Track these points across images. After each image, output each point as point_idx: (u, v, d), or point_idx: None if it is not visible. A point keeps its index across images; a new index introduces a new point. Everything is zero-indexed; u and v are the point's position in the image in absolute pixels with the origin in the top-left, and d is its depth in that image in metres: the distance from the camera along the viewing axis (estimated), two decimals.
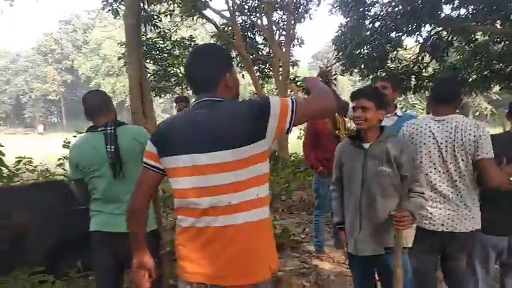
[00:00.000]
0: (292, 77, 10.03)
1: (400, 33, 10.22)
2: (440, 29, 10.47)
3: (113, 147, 2.16)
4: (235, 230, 1.42)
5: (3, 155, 5.01)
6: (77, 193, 2.39)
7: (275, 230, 4.98)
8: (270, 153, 8.82)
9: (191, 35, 9.75)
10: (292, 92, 9.23)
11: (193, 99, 1.55)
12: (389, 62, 11.05)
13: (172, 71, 9.19)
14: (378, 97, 2.30)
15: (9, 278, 2.55)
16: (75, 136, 4.98)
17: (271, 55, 10.13)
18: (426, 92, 13.09)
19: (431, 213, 2.29)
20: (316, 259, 4.45)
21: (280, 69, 8.93)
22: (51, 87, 52.83)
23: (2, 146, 5.05)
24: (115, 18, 8.79)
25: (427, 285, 2.44)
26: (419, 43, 10.62)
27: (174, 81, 9.59)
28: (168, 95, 10.09)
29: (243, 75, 10.72)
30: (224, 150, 1.39)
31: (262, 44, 10.67)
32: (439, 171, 2.29)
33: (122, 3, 9.11)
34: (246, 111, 1.42)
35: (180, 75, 9.74)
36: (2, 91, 56.00)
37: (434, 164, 2.29)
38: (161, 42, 9.43)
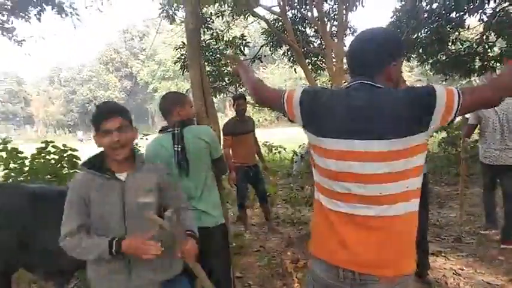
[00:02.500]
0: (346, 67, 9.81)
1: (461, 13, 9.61)
2: (507, 4, 9.68)
3: (179, 146, 2.31)
4: (384, 221, 1.38)
5: (79, 159, 5.50)
6: None
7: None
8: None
9: (242, 34, 9.87)
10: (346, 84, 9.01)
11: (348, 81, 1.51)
12: (450, 44, 10.41)
13: (226, 71, 9.36)
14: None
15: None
16: (142, 138, 5.34)
17: (323, 47, 9.97)
18: (493, 74, 12.17)
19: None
20: None
21: (334, 60, 8.75)
22: (113, 93, 56.16)
23: (77, 150, 5.56)
24: (171, 24, 9.14)
25: None
26: (483, 22, 9.90)
27: (228, 80, 9.76)
28: (222, 94, 10.31)
29: (295, 69, 10.68)
30: (382, 139, 1.33)
31: (313, 36, 10.54)
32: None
33: (178, 10, 9.48)
34: (409, 101, 1.33)
35: (233, 74, 9.88)
36: (69, 100, 60.48)
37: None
38: (214, 43, 9.62)
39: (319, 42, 10.52)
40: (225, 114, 49.33)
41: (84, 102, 58.56)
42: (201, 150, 2.38)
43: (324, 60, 10.28)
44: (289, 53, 10.42)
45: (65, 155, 5.33)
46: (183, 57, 9.22)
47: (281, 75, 44.49)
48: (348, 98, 1.43)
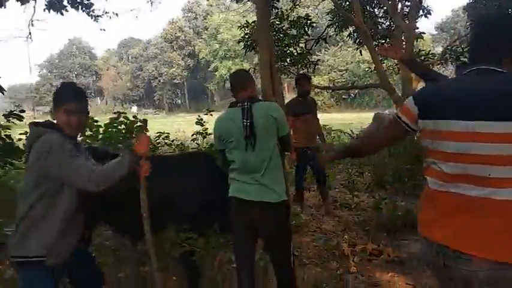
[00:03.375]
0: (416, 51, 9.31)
1: None
2: None
3: (248, 121, 2.36)
4: (495, 204, 1.38)
5: (148, 130, 5.80)
6: (220, 162, 2.68)
7: (396, 212, 4.82)
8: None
9: (307, 14, 9.67)
10: None
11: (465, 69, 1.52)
12: None
13: (289, 51, 9.26)
14: None
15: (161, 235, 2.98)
16: (199, 118, 5.49)
17: (393, 28, 9.51)
18: None
19: None
20: None
21: (404, 43, 8.32)
22: (176, 71, 58.03)
23: (146, 121, 5.86)
24: (237, 2, 9.18)
25: None
26: None
27: (290, 61, 9.65)
28: (283, 75, 10.26)
29: (360, 51, 10.31)
30: (506, 121, 1.34)
31: (382, 17, 10.07)
32: None
33: None
34: None
35: (295, 54, 9.75)
36: (136, 76, 63.50)
37: None
38: (278, 22, 9.51)
39: (388, 23, 10.05)
40: (283, 97, 49.19)
41: (150, 78, 61.18)
42: (269, 126, 2.42)
43: (392, 43, 9.80)
44: (355, 34, 10.08)
45: (134, 125, 5.65)
46: (247, 36, 9.25)
47: (343, 57, 43.17)
48: (470, 83, 1.46)
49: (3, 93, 5.70)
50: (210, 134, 5.82)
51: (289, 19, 9.29)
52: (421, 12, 9.62)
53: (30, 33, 8.24)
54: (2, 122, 5.92)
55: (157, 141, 5.91)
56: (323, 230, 4.74)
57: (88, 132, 5.60)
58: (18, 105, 5.66)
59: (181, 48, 58.78)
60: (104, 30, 12.99)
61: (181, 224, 2.86)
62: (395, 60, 10.16)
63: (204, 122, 5.09)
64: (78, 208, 2.08)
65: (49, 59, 66.13)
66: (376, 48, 8.36)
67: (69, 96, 2.07)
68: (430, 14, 9.94)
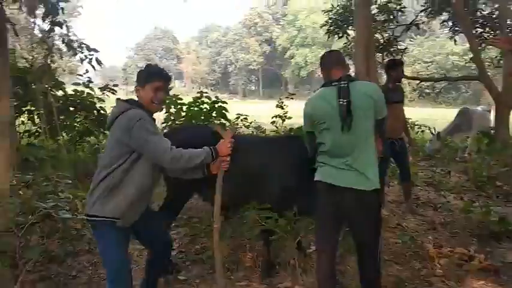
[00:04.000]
0: None
1: None
2: None
3: (344, 100, 2.20)
4: None
5: (227, 110, 5.90)
6: (307, 145, 2.55)
7: (489, 217, 4.36)
8: (483, 131, 7.58)
9: None
10: None
11: None
12: None
13: (375, 38, 8.79)
14: None
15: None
16: (281, 101, 5.47)
17: (494, 16, 8.58)
18: None
19: None
20: None
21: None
22: (252, 57, 58.68)
23: (226, 103, 5.96)
24: None
25: None
26: None
27: (376, 48, 9.16)
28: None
29: (455, 40, 9.47)
30: None
31: (483, 3, 9.12)
32: None
33: None
34: None
35: (382, 41, 9.25)
36: (214, 61, 65.40)
37: None
38: None
39: (489, 10, 9.07)
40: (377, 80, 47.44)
41: (227, 63, 62.64)
42: (367, 107, 2.25)
43: (491, 32, 8.85)
44: (450, 22, 9.26)
45: (215, 105, 5.77)
46: (330, 21, 8.95)
47: (430, 48, 40.20)
48: None
49: (100, 66, 6.11)
50: (290, 117, 5.83)
51: (378, 3, 8.81)
52: None
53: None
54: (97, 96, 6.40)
55: (236, 122, 5.99)
56: (404, 227, 4.44)
57: (172, 110, 5.86)
58: (111, 79, 6.06)
59: (259, 35, 59.20)
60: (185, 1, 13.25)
61: (265, 201, 2.91)
62: (497, 52, 9.17)
63: (285, 105, 5.04)
64: (152, 182, 2.27)
65: (137, 43, 70.63)
66: (486, 38, 7.58)
67: (159, 75, 2.27)
68: None
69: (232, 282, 3.09)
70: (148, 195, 2.32)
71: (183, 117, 5.76)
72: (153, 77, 2.25)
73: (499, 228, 4.21)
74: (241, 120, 5.89)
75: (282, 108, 5.02)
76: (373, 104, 2.27)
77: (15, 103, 5.25)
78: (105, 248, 2.17)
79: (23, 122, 6.19)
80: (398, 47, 8.66)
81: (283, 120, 5.13)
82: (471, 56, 8.36)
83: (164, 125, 5.79)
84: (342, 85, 2.22)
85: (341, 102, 2.20)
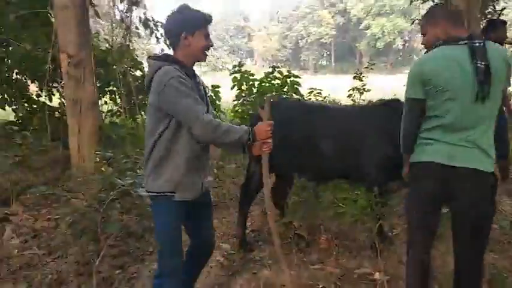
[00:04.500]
0: None
1: None
2: None
3: (483, 63, 1.80)
4: None
5: (300, 85, 5.66)
6: (405, 116, 2.04)
7: None
8: None
9: None
10: None
11: None
12: None
13: None
14: None
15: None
16: (359, 72, 5.08)
17: None
18: None
19: None
20: None
21: None
22: (325, 30, 56.76)
23: (299, 77, 5.72)
24: None
25: None
26: None
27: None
28: None
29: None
30: None
31: None
32: None
33: None
34: None
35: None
36: (284, 37, 64.46)
37: None
38: None
39: None
40: None
41: (298, 38, 61.41)
42: (503, 74, 1.86)
43: None
44: None
45: (288, 80, 5.57)
46: None
47: None
48: None
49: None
50: (369, 90, 5.43)
51: None
52: None
53: None
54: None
55: (309, 97, 5.75)
56: (501, 211, 3.94)
57: (244, 87, 5.80)
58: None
59: (332, 6, 56.89)
60: None
61: (363, 176, 2.82)
62: None
63: (364, 76, 4.67)
64: (203, 148, 2.03)
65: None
66: None
67: (209, 20, 2.01)
68: None
69: (306, 265, 2.96)
70: (204, 163, 2.09)
71: (255, 93, 5.67)
72: (206, 22, 1.99)
73: None
74: (314, 95, 5.64)
75: (361, 80, 4.65)
76: (508, 70, 1.88)
77: (98, 84, 5.55)
78: (160, 222, 2.04)
79: (105, 102, 6.57)
80: (496, 7, 7.61)
81: (361, 94, 4.77)
82: None
83: (236, 102, 5.75)
84: (477, 44, 1.83)
85: (479, 65, 1.80)
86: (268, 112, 2.03)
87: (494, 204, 2.03)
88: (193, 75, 2.03)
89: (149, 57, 2.04)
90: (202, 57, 2.02)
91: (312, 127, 2.98)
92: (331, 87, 11.20)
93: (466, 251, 2.00)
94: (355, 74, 4.77)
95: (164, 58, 2.00)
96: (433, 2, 8.36)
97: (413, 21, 9.65)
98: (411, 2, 8.30)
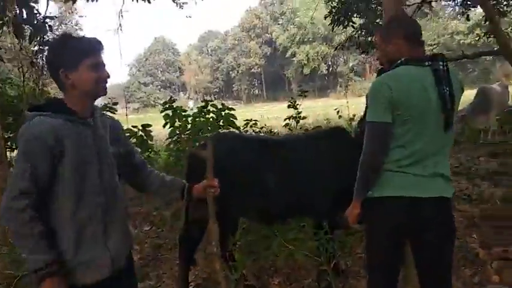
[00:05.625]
0: None
1: None
2: None
3: (448, 89, 1.71)
4: None
5: (235, 117, 5.53)
6: (370, 143, 1.79)
7: None
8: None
9: None
10: None
11: None
12: None
13: (382, 23, 8.36)
14: None
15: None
16: (293, 100, 5.09)
17: None
18: None
19: None
20: None
21: None
22: (254, 61, 58.37)
23: (234, 109, 5.59)
24: None
25: None
26: None
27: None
28: (363, 53, 9.44)
29: (467, 16, 8.98)
30: None
31: None
32: None
33: None
34: None
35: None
36: (216, 69, 65.24)
37: None
38: None
39: None
40: (364, 78, 46.66)
41: (229, 70, 62.43)
42: (459, 98, 1.80)
43: (507, 2, 8.36)
44: None
45: (222, 113, 5.41)
46: (334, 10, 8.56)
47: (434, 30, 39.44)
48: None
49: None
50: (304, 117, 5.47)
51: None
52: None
53: (120, 24, 8.34)
54: None
55: (245, 129, 5.63)
56: None
57: (177, 123, 5.53)
58: (111, 98, 5.73)
59: (258, 36, 58.90)
60: (190, 17, 13.12)
61: (314, 213, 2.68)
62: None
63: (298, 104, 4.66)
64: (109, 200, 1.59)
65: (137, 58, 70.91)
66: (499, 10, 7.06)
67: (92, 49, 1.55)
68: None
69: None
70: (110, 222, 1.59)
71: (189, 129, 5.41)
72: (92, 51, 1.55)
73: None
74: (251, 126, 5.53)
75: (296, 108, 4.63)
76: (461, 94, 1.84)
77: (9, 135, 4.96)
78: None
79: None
80: None
81: (298, 122, 4.74)
82: (477, 32, 7.87)
83: (169, 140, 5.45)
84: (441, 67, 1.72)
85: (445, 91, 1.70)
86: (211, 154, 1.82)
87: (455, 230, 1.95)
88: (91, 121, 1.59)
89: (29, 108, 1.58)
90: (98, 92, 1.59)
91: (258, 163, 2.78)
92: (266, 115, 11.32)
93: (434, 281, 1.89)
94: (289, 103, 4.76)
95: (44, 106, 1.56)
96: (353, 27, 8.84)
97: (337, 47, 10.09)
98: (333, 28, 8.68)
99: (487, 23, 8.31)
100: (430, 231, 1.78)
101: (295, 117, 4.65)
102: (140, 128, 5.66)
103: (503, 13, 8.42)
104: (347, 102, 8.95)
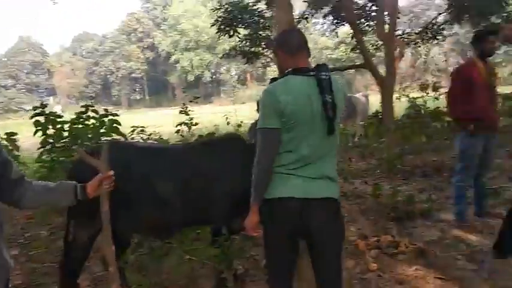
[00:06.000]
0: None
1: None
2: None
3: (330, 97, 1.80)
4: None
5: (120, 124, 5.15)
6: (261, 148, 1.88)
7: (397, 198, 4.53)
8: (373, 115, 8.13)
9: None
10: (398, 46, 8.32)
11: None
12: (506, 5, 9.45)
13: (264, 35, 8.80)
14: None
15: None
16: (185, 106, 4.95)
17: (368, 8, 9.28)
18: None
19: None
20: (457, 229, 3.91)
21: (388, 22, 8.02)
22: (135, 65, 55.91)
23: (117, 115, 5.21)
24: None
25: None
26: None
27: (265, 45, 9.18)
28: (247, 63, 9.87)
29: (336, 33, 9.98)
30: None
31: None
32: None
33: None
34: None
35: (271, 38, 9.30)
36: (92, 72, 60.57)
37: None
38: (252, 4, 9.01)
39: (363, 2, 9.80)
40: (247, 86, 48.49)
41: (107, 73, 58.58)
42: (343, 107, 1.90)
43: (367, 23, 9.56)
44: (332, 16, 9.68)
45: (105, 120, 4.99)
46: (220, 19, 8.69)
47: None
48: None
49: None
50: (196, 124, 5.37)
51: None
52: None
53: None
54: None
55: (132, 136, 5.29)
56: None
57: (50, 131, 4.90)
58: None
59: (140, 41, 56.68)
60: (56, 3, 11.50)
61: (215, 221, 2.57)
62: (378, 40, 9.88)
63: (190, 110, 4.56)
64: None
65: None
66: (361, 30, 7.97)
67: None
68: None
69: None
70: None
71: (66, 137, 4.86)
72: None
73: (409, 207, 4.39)
74: (138, 133, 5.21)
75: (187, 114, 4.53)
76: (344, 101, 1.95)
77: None
78: None
79: None
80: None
81: (190, 128, 4.63)
82: (343, 48, 8.84)
83: (41, 149, 4.82)
84: (324, 77, 1.81)
85: (327, 99, 1.79)
86: (106, 162, 1.63)
87: (343, 225, 2.09)
88: None
89: None
90: None
91: (154, 173, 2.58)
92: (150, 121, 10.89)
93: (327, 273, 2.00)
94: (181, 109, 4.63)
95: None
96: (238, 37, 9.07)
97: (223, 56, 10.25)
98: (219, 36, 8.80)
99: (353, 40, 9.44)
100: (320, 231, 1.89)
101: (187, 123, 4.55)
102: (4, 136, 4.89)
103: (364, 32, 9.59)
104: (235, 110, 9.14)
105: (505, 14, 9.44)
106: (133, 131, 5.23)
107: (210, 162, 2.71)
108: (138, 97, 63.70)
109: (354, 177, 6.05)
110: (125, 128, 5.29)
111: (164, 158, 2.71)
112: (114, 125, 4.96)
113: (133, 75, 57.12)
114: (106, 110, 4.98)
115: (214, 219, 2.70)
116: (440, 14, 9.74)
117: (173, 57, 51.59)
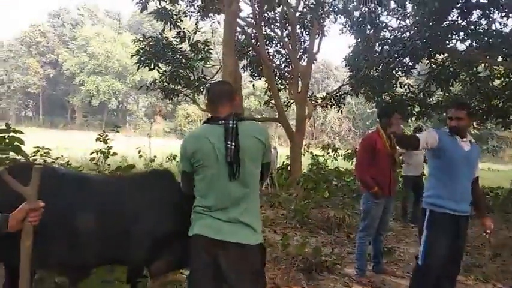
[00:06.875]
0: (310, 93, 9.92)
1: (412, 61, 10.27)
2: (448, 59, 10.57)
3: (233, 144, 1.90)
4: None
5: (23, 143, 4.58)
6: (183, 187, 2.17)
7: (305, 249, 4.72)
8: (282, 167, 8.57)
9: (206, 39, 9.47)
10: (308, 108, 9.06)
11: None
12: (398, 87, 11.09)
13: (185, 74, 8.89)
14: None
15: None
16: (104, 134, 4.58)
17: (289, 67, 10.05)
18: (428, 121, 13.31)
19: None
20: (357, 284, 4.20)
21: (300, 83, 8.75)
22: (32, 79, 50.91)
23: (23, 133, 4.63)
24: (141, 12, 8.52)
25: None
26: (428, 72, 10.66)
27: (184, 84, 9.27)
28: (176, 98, 9.82)
29: (253, 84, 10.47)
30: None
31: (281, 54, 10.57)
32: None
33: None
34: None
35: (191, 78, 9.44)
36: None
37: None
38: (176, 42, 9.14)
39: (284, 59, 10.58)
40: (154, 120, 47.23)
41: None
42: (257, 151, 2.00)
43: (282, 81, 10.32)
44: (251, 68, 10.23)
45: (6, 137, 4.39)
46: (142, 51, 8.58)
47: None
48: None
49: None
50: (115, 154, 4.92)
51: (191, 41, 8.98)
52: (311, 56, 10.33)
53: None
54: None
55: (34, 157, 4.72)
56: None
57: None
58: None
59: (41, 55, 52.17)
60: None
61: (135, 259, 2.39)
62: (289, 97, 10.62)
63: (109, 139, 4.26)
64: None
65: None
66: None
67: None
68: (315, 60, 10.77)
69: None
70: None
71: None
72: None
73: (316, 259, 4.58)
74: (41, 155, 4.65)
75: (106, 143, 4.20)
76: (262, 147, 2.03)
77: None
78: None
79: None
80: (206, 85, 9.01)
81: (107, 157, 4.29)
82: (266, 99, 9.40)
83: None
84: (231, 125, 1.93)
85: (229, 145, 1.89)
86: (35, 189, 1.44)
87: (264, 276, 2.14)
88: None
89: None
90: None
91: (72, 205, 2.32)
92: (43, 142, 9.86)
93: None
94: (98, 135, 4.30)
95: None
96: (159, 72, 8.99)
97: (141, 87, 9.99)
98: (138, 67, 8.64)
99: (267, 94, 10.07)
100: (231, 274, 1.95)
101: (104, 152, 4.22)
102: None
103: (279, 89, 10.31)
104: (150, 143, 8.79)
105: (394, 94, 11.07)
106: (36, 151, 4.67)
107: (133, 198, 2.54)
108: (30, 114, 57.61)
109: (263, 226, 6.16)
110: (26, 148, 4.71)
111: (89, 189, 2.47)
112: (16, 143, 4.40)
113: (28, 89, 51.77)
114: (8, 125, 4.42)
115: (133, 259, 2.51)
116: (343, 85, 11.05)
117: (78, 79, 48.36)
